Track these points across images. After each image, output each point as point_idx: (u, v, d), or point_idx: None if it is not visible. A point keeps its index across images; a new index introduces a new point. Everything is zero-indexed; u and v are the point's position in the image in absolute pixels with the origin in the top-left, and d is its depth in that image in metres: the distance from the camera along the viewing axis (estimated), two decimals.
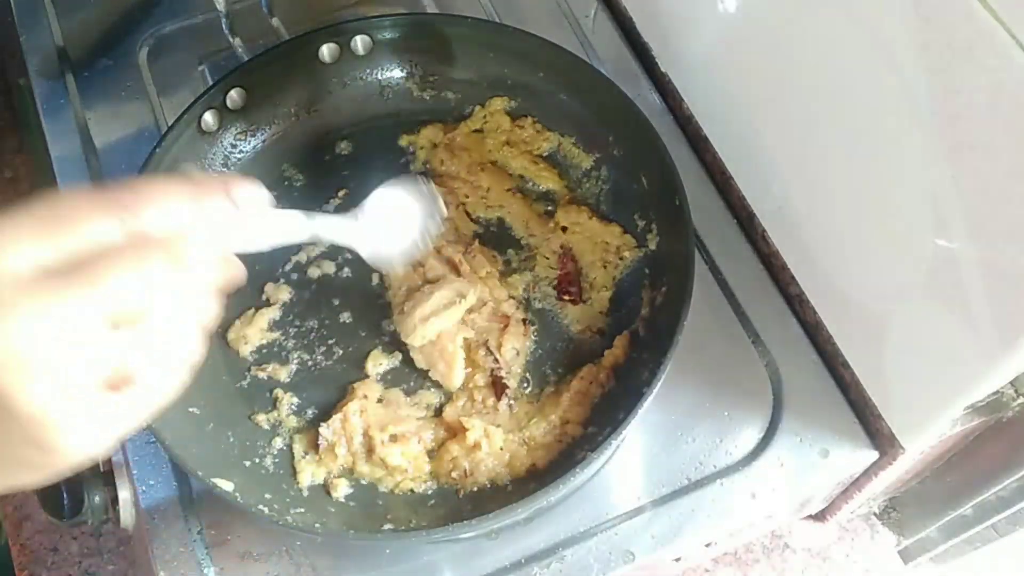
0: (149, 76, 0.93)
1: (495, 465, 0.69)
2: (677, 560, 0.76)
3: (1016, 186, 0.50)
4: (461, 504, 0.68)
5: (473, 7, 0.96)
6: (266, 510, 0.64)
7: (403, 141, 0.85)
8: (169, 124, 0.77)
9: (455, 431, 0.70)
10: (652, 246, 0.76)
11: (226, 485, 0.64)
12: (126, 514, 0.71)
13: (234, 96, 0.79)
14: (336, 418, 0.71)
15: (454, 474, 0.69)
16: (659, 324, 0.72)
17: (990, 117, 0.49)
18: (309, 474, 0.70)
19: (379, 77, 0.85)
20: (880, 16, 0.55)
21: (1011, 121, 0.48)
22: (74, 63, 0.93)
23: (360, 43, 0.82)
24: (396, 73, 0.85)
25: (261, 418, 0.73)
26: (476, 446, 0.69)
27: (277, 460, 0.71)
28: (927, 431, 0.69)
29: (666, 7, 0.85)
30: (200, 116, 0.77)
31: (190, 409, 0.69)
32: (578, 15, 0.96)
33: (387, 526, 0.65)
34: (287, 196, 0.82)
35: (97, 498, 0.69)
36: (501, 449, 0.70)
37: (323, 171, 0.83)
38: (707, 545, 0.77)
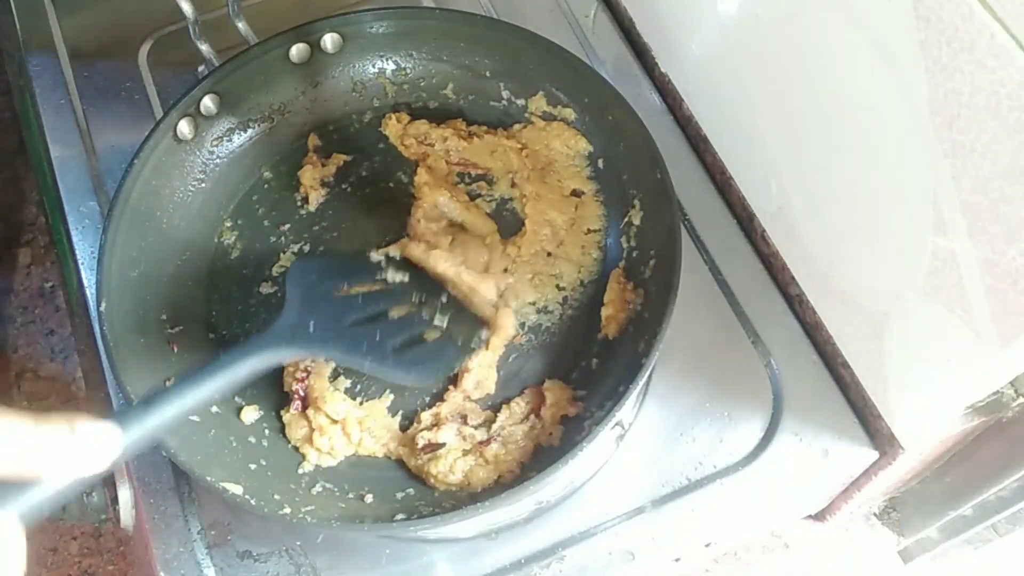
0: (149, 76, 0.93)
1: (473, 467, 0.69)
2: (677, 560, 0.76)
3: (1016, 186, 0.50)
4: (462, 497, 0.68)
5: (473, 6, 0.96)
6: (282, 512, 0.64)
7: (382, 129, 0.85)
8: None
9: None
10: (636, 221, 0.76)
11: (236, 489, 0.64)
12: (126, 514, 0.71)
13: (207, 103, 0.78)
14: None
15: (431, 481, 0.69)
16: (651, 295, 0.72)
17: (990, 117, 0.49)
18: (312, 456, 0.70)
19: (351, 75, 0.84)
20: (880, 16, 0.55)
21: (1011, 121, 0.48)
22: (74, 63, 0.94)
23: (329, 41, 0.82)
24: (369, 69, 0.84)
25: None
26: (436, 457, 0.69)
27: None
28: (927, 431, 0.69)
29: (666, 7, 0.85)
30: (175, 125, 0.77)
31: (191, 417, 0.69)
32: (578, 15, 0.96)
33: (399, 516, 0.65)
34: (266, 199, 0.82)
35: (97, 498, 0.69)
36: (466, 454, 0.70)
37: (303, 169, 0.83)
38: (707, 545, 0.77)
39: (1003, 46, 0.47)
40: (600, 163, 0.79)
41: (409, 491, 0.69)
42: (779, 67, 0.69)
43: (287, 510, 0.64)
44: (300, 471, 0.69)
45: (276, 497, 0.66)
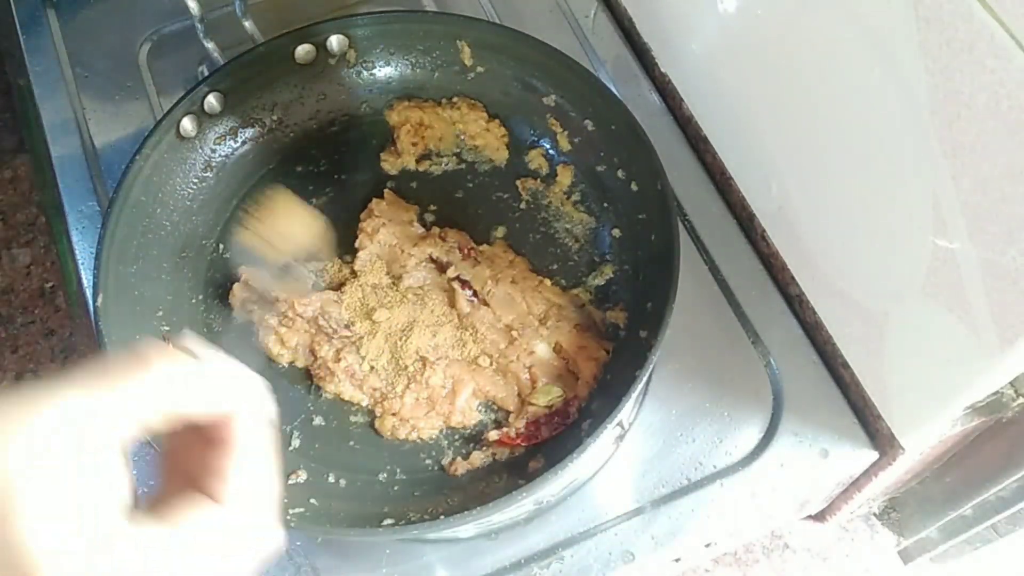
0: (149, 76, 0.93)
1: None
2: (677, 560, 0.76)
3: (1016, 186, 0.50)
4: (463, 498, 0.68)
5: (473, 7, 0.96)
6: (294, 520, 0.64)
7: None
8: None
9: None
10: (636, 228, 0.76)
11: None
12: None
13: (211, 101, 0.78)
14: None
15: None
16: (651, 295, 0.72)
17: (990, 117, 0.49)
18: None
19: (356, 76, 0.84)
20: (880, 16, 0.55)
21: (1011, 121, 0.48)
22: (74, 63, 0.94)
23: (336, 43, 0.82)
24: (373, 72, 0.84)
25: None
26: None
27: None
28: (927, 431, 0.69)
29: (666, 7, 0.85)
30: (179, 122, 0.77)
31: None
32: (578, 15, 0.96)
33: (387, 520, 0.65)
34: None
35: None
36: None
37: (305, 171, 0.83)
38: (707, 545, 0.77)
39: (1003, 46, 0.47)
40: (599, 170, 0.79)
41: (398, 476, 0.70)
42: (779, 67, 0.69)
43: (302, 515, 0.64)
44: (290, 480, 0.69)
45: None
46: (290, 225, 0.74)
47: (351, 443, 0.72)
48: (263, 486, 0.39)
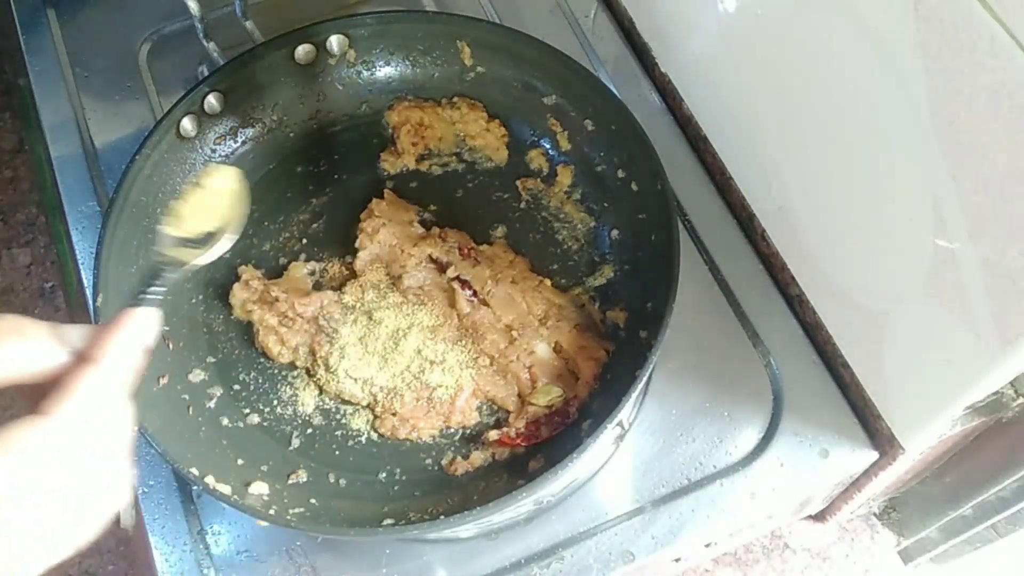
0: (149, 76, 0.93)
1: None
2: (677, 560, 0.76)
3: (1016, 186, 0.50)
4: (462, 498, 0.68)
5: (473, 7, 0.96)
6: (295, 520, 0.64)
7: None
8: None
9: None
10: (635, 228, 0.76)
11: (224, 488, 0.64)
12: (126, 514, 0.70)
13: (211, 100, 0.78)
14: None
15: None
16: (651, 295, 0.72)
17: (990, 117, 0.49)
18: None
19: (356, 76, 0.84)
20: (880, 16, 0.55)
21: (1011, 121, 0.48)
22: (74, 63, 0.94)
23: (335, 43, 0.82)
24: (373, 72, 0.84)
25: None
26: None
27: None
28: (927, 431, 0.69)
29: (666, 7, 0.85)
30: (179, 122, 0.77)
31: (186, 416, 0.69)
32: (578, 15, 0.96)
33: (387, 520, 0.65)
34: (270, 198, 0.82)
35: None
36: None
37: (305, 171, 0.83)
38: (707, 545, 0.78)
39: (1003, 46, 0.47)
40: (599, 170, 0.79)
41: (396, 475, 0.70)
42: (779, 67, 0.69)
43: (273, 511, 0.64)
44: (290, 480, 0.69)
45: (264, 498, 0.66)
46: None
47: (351, 443, 0.72)
48: (102, 407, 0.40)
